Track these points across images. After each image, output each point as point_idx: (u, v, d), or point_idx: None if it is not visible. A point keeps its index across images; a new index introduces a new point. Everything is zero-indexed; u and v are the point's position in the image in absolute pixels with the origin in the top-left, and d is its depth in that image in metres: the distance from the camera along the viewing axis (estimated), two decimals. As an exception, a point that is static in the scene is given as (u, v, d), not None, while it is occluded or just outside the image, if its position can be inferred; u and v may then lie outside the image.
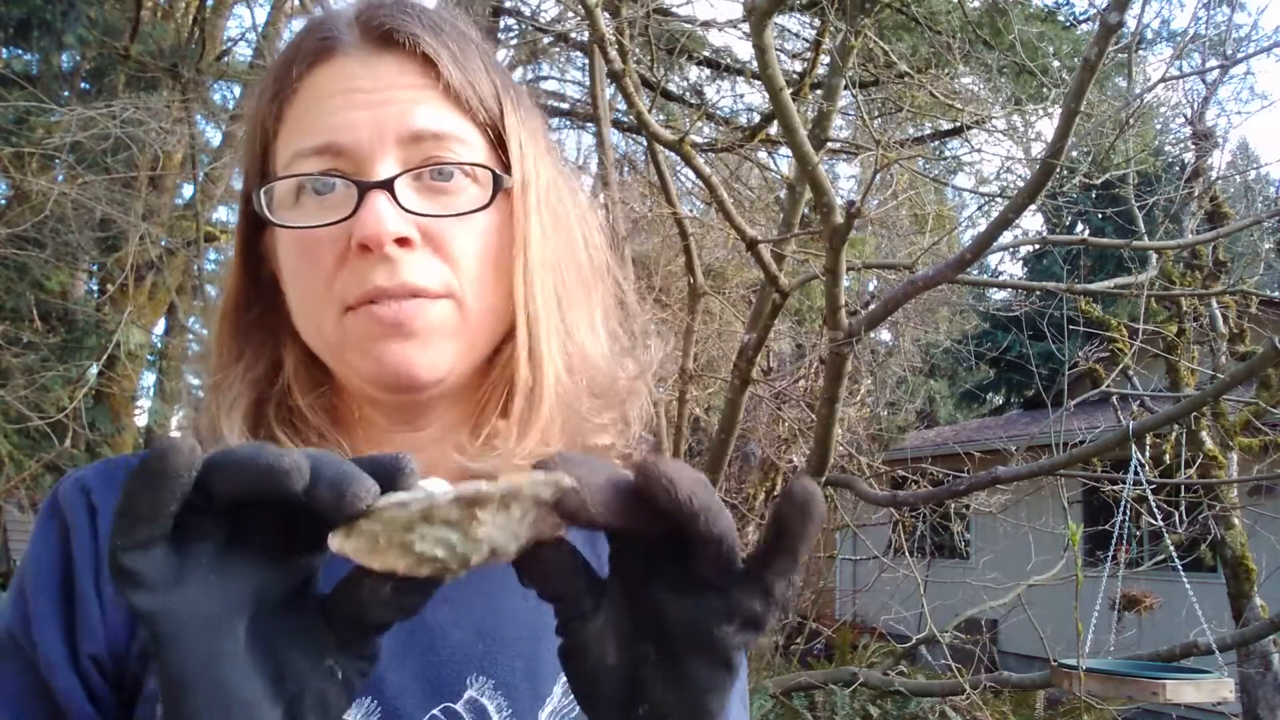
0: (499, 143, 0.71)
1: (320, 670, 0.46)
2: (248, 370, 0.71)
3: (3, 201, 5.94)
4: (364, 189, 0.65)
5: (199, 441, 0.69)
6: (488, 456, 0.68)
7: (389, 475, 0.44)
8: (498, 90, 0.71)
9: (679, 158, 4.07)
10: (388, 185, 0.65)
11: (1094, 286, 4.28)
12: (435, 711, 0.67)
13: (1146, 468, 3.82)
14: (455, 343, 0.68)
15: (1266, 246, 5.95)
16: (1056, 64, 5.49)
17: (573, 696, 0.59)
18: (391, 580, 0.45)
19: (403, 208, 0.65)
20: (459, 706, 0.68)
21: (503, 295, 0.70)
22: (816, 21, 5.37)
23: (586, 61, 5.57)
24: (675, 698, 0.46)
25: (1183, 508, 4.86)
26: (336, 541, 0.44)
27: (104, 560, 0.64)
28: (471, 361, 0.70)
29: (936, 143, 6.80)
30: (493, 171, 0.69)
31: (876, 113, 6.08)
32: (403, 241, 0.65)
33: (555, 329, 0.71)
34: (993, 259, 13.29)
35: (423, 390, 0.67)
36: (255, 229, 0.73)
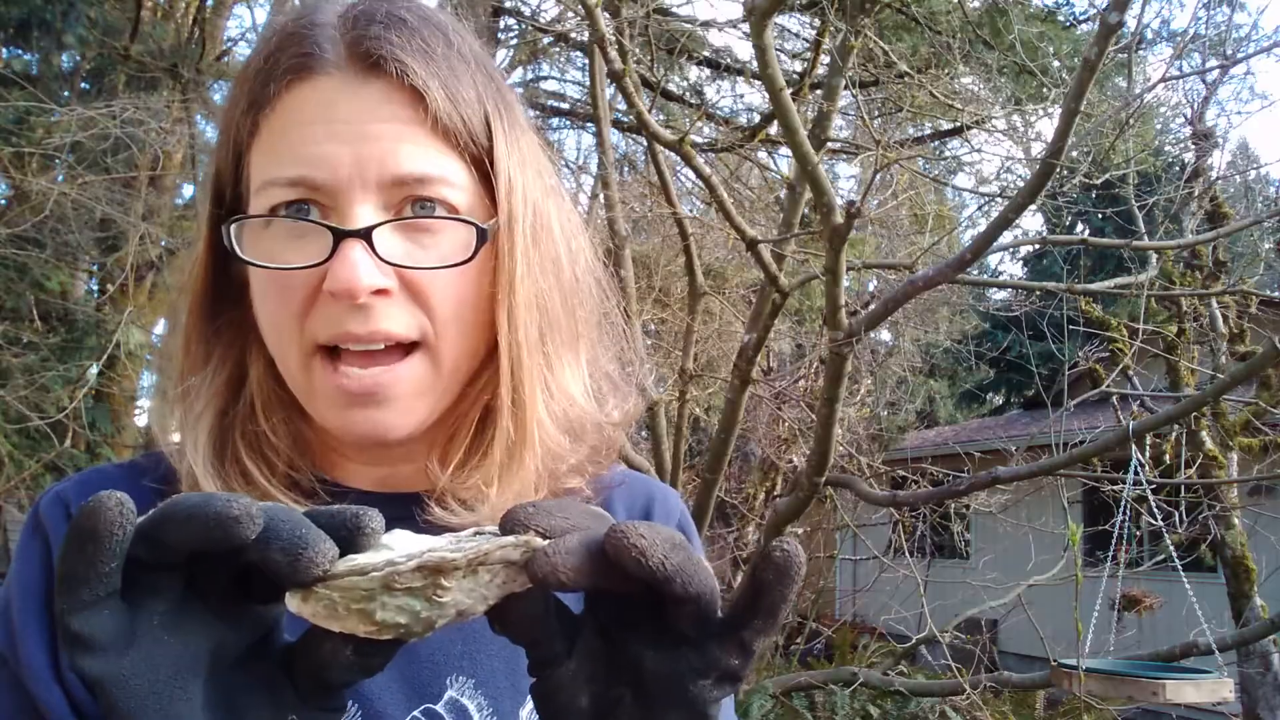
0: (485, 172, 0.68)
1: None
2: (215, 375, 0.69)
3: (3, 201, 5.94)
4: (340, 236, 0.61)
5: (165, 457, 0.67)
6: (470, 508, 0.66)
7: (349, 534, 0.43)
8: (488, 117, 0.68)
9: (679, 158, 4.07)
10: (365, 235, 0.62)
11: (1094, 286, 4.28)
12: (416, 713, 0.66)
13: (1146, 468, 3.82)
14: (427, 399, 0.66)
15: (1266, 246, 5.94)
16: (1056, 64, 5.49)
17: None
18: (353, 642, 0.44)
19: (380, 258, 0.62)
20: (439, 707, 0.67)
21: (480, 334, 0.68)
22: (816, 21, 5.37)
23: (586, 61, 5.56)
24: None
25: (1183, 508, 4.86)
26: (294, 604, 0.43)
27: None
28: (444, 406, 0.68)
29: (936, 143, 6.80)
30: (476, 226, 0.65)
31: (876, 113, 6.08)
32: (379, 292, 0.62)
33: (539, 373, 0.68)
34: (993, 259, 13.30)
35: (393, 446, 0.66)
36: (218, 223, 0.69)
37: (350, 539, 0.43)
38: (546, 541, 0.43)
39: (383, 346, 0.63)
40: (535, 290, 0.68)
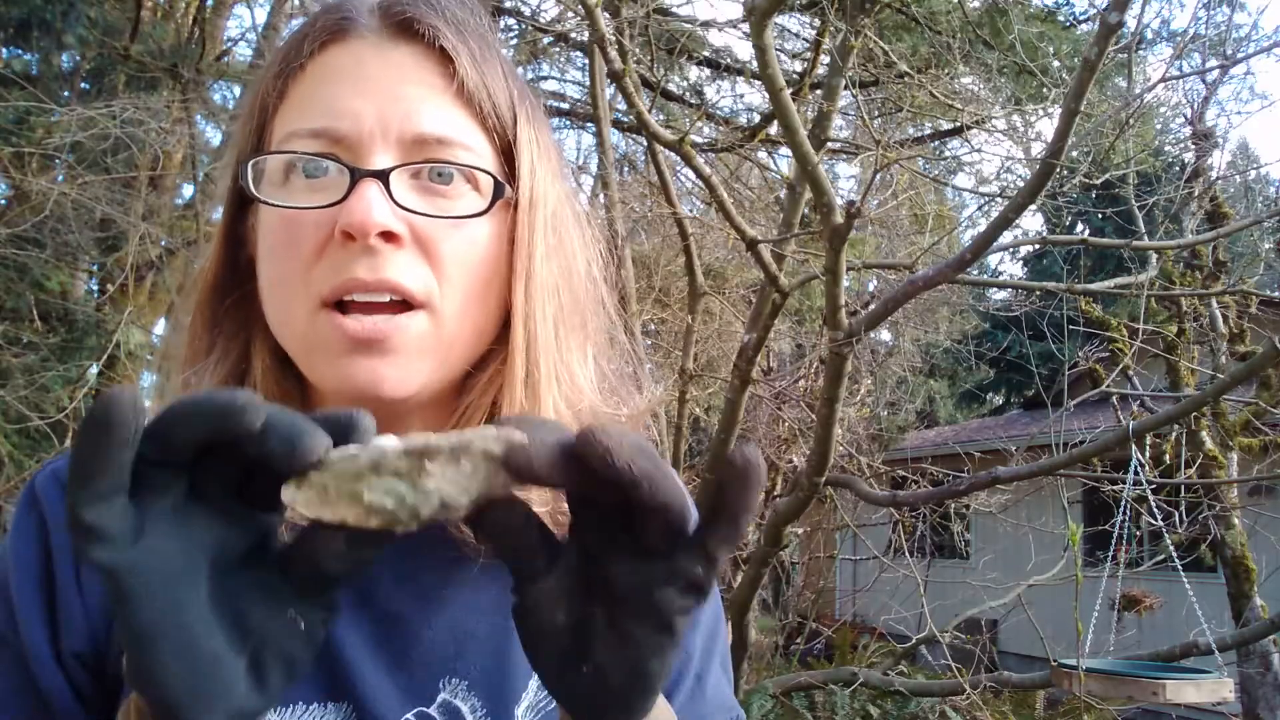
0: (507, 153, 0.68)
1: (281, 621, 0.46)
2: (218, 364, 0.69)
3: (3, 201, 5.94)
4: (357, 176, 0.62)
5: None
6: None
7: (343, 430, 0.45)
8: (513, 100, 0.69)
9: (679, 158, 4.07)
10: (383, 176, 0.62)
11: (1094, 286, 4.28)
12: (408, 716, 0.66)
13: (1146, 468, 3.82)
14: (428, 360, 0.65)
15: (1266, 246, 5.95)
16: (1056, 64, 5.49)
17: (547, 691, 0.59)
18: (344, 532, 0.45)
19: (395, 202, 0.62)
20: (433, 710, 0.67)
21: (487, 312, 0.68)
22: (816, 21, 5.37)
23: (586, 61, 5.56)
24: (616, 658, 0.46)
25: (1183, 508, 4.86)
26: (289, 493, 0.44)
27: None
28: (444, 377, 0.67)
29: (936, 143, 6.80)
30: (494, 178, 0.66)
31: (876, 113, 6.08)
32: (389, 236, 0.62)
33: (552, 355, 0.68)
34: (993, 259, 13.30)
35: (390, 405, 0.65)
36: (240, 208, 0.70)
37: (344, 434, 0.45)
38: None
39: (388, 299, 0.63)
40: (552, 276, 0.69)
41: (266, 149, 0.67)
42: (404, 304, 0.63)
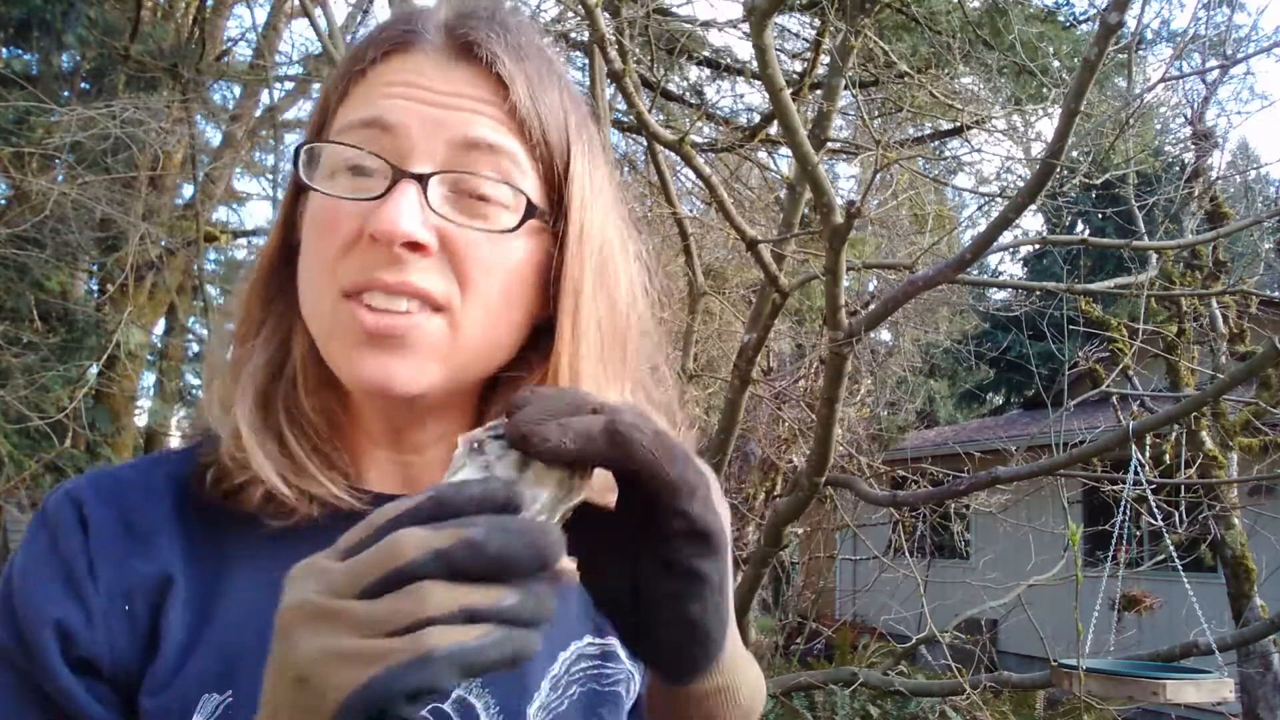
0: (551, 181, 0.69)
1: None
2: (266, 343, 0.71)
3: (3, 201, 5.93)
4: (398, 176, 0.63)
5: (208, 418, 0.70)
6: None
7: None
8: (568, 131, 0.70)
9: (679, 158, 4.07)
10: (422, 179, 0.63)
11: (1094, 286, 4.28)
12: (424, 712, 0.66)
13: (1146, 468, 3.82)
14: (439, 363, 0.66)
15: (1266, 246, 5.95)
16: (1056, 64, 5.49)
17: (559, 691, 0.64)
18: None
19: (430, 208, 0.63)
20: (447, 706, 0.67)
21: (509, 326, 0.69)
22: (816, 21, 5.37)
23: (586, 61, 5.56)
24: (663, 613, 0.53)
25: (1183, 508, 4.86)
26: None
27: (99, 572, 0.63)
28: (456, 381, 0.68)
29: (936, 143, 6.79)
30: (528, 197, 0.67)
31: (876, 113, 6.08)
32: (415, 246, 0.63)
33: (594, 388, 0.70)
34: (993, 259, 13.30)
35: (398, 400, 0.67)
36: (298, 194, 0.72)
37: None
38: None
39: (404, 308, 0.64)
40: (596, 312, 0.70)
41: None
42: (422, 306, 0.65)
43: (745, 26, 4.82)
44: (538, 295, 0.70)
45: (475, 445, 0.49)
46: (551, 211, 0.69)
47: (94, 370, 5.73)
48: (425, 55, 0.67)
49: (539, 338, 0.71)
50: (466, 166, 0.65)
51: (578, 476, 0.49)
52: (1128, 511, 3.79)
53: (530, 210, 0.67)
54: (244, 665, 0.63)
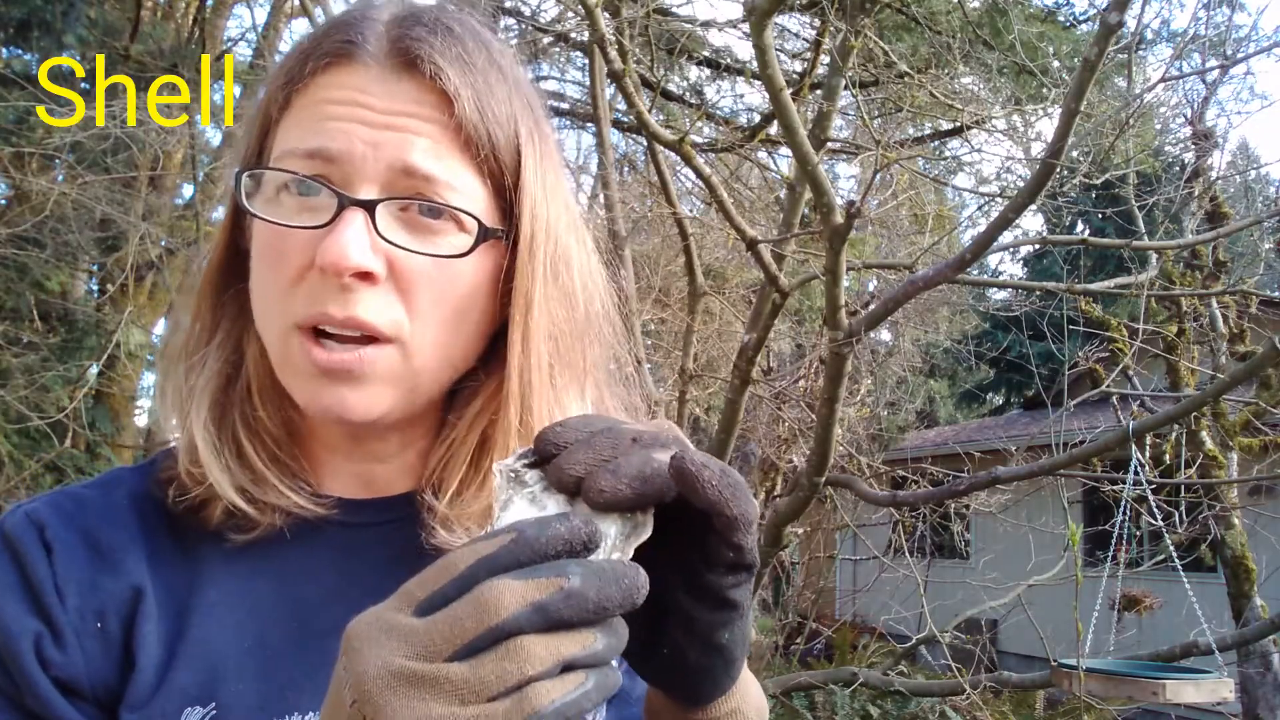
0: (501, 192, 0.68)
1: None
2: (219, 349, 0.70)
3: (3, 201, 5.94)
4: (344, 204, 0.62)
5: (166, 429, 0.70)
6: (470, 532, 0.68)
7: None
8: (519, 138, 0.69)
9: (679, 158, 4.07)
10: (369, 207, 0.63)
11: (1094, 286, 4.28)
12: None
13: (1146, 468, 3.82)
14: (394, 387, 0.66)
15: (1266, 246, 5.94)
16: (1056, 64, 5.49)
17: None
18: None
19: (379, 234, 0.63)
20: None
21: (461, 342, 0.68)
22: (816, 21, 5.37)
23: (586, 61, 5.56)
24: (688, 638, 0.51)
25: (1183, 508, 4.86)
26: None
27: (67, 595, 0.62)
28: (413, 401, 0.68)
29: (936, 143, 6.79)
30: (479, 222, 0.66)
31: (876, 113, 6.08)
32: (365, 276, 0.62)
33: (547, 398, 0.69)
34: (993, 259, 13.31)
35: (356, 427, 0.67)
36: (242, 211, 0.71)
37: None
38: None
39: (357, 334, 0.64)
40: (550, 320, 0.69)
41: (266, 159, 0.68)
42: (373, 337, 0.64)
43: (745, 26, 4.83)
44: (492, 304, 0.70)
45: (513, 475, 0.48)
46: (503, 222, 0.69)
47: (94, 370, 5.73)
48: (367, 69, 0.65)
49: (499, 341, 0.71)
50: (413, 190, 0.64)
51: (639, 510, 0.48)
52: (1128, 511, 3.79)
53: (483, 233, 0.66)
54: (225, 677, 0.63)
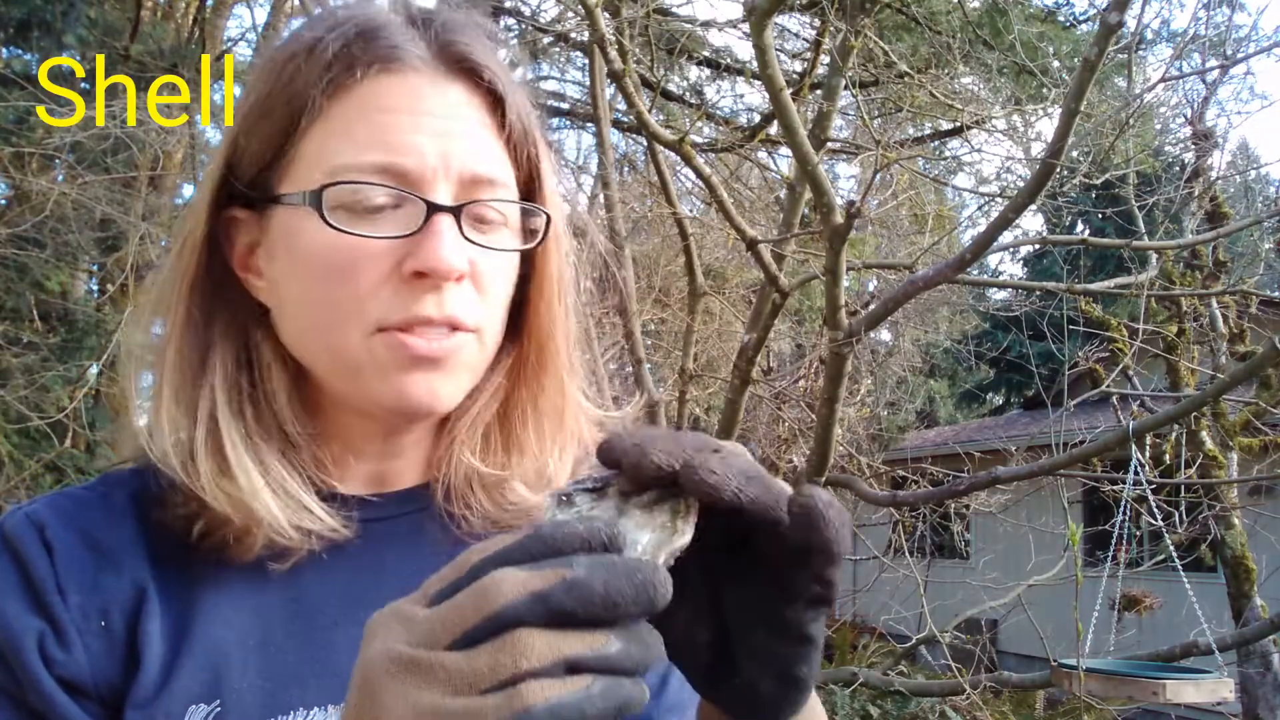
0: (526, 182, 0.72)
1: None
2: (219, 371, 0.68)
3: (3, 201, 5.94)
4: (433, 210, 0.64)
5: (140, 469, 0.68)
6: (504, 495, 0.72)
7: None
8: (538, 132, 0.72)
9: (679, 158, 4.07)
10: (456, 212, 0.65)
11: (1094, 286, 4.28)
12: None
13: (1146, 468, 3.82)
14: (471, 376, 0.70)
15: (1266, 246, 5.94)
16: (1056, 64, 5.49)
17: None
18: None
19: (465, 237, 0.65)
20: None
21: (501, 330, 0.72)
22: (816, 21, 5.37)
23: (586, 61, 5.56)
24: (763, 670, 0.50)
25: (1183, 508, 4.86)
26: None
27: (69, 594, 0.62)
28: (471, 387, 0.72)
29: (936, 143, 6.79)
30: (548, 217, 0.71)
31: (876, 113, 6.08)
32: (459, 277, 0.65)
33: (575, 382, 0.76)
34: (993, 259, 13.31)
35: (423, 417, 0.70)
36: (222, 205, 0.68)
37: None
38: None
39: (449, 333, 0.66)
40: (567, 303, 0.75)
41: (291, 164, 0.65)
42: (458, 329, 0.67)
43: (745, 26, 4.82)
44: (519, 295, 0.74)
45: (564, 498, 0.47)
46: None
47: (94, 370, 5.73)
48: (419, 75, 0.66)
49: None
50: (478, 193, 0.67)
51: (680, 518, 0.45)
52: (1128, 511, 3.79)
53: (548, 228, 0.71)
54: (229, 674, 0.63)
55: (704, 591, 0.50)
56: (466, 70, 0.67)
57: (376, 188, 0.64)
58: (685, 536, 0.45)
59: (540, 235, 0.71)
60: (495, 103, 0.68)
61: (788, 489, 0.46)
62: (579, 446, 0.76)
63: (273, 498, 0.64)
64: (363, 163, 0.63)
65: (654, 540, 0.44)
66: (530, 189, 0.72)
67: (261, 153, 0.67)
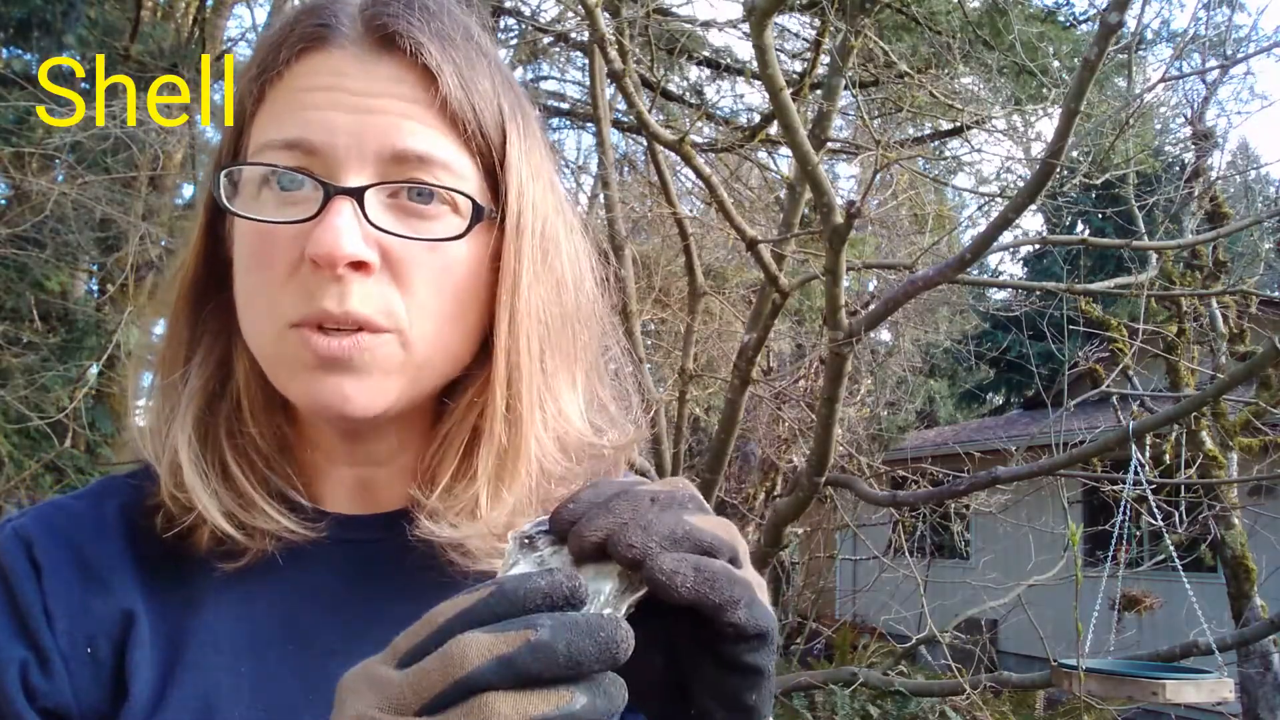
0: (491, 171, 0.66)
1: None
2: (201, 366, 0.67)
3: (3, 201, 5.93)
4: (330, 193, 0.60)
5: (149, 451, 0.66)
6: (456, 526, 0.65)
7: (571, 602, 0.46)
8: (503, 116, 0.66)
9: (679, 158, 4.07)
10: (357, 194, 0.60)
11: (1094, 286, 4.28)
12: None
13: (1146, 468, 3.82)
14: (395, 379, 0.63)
15: (1266, 246, 5.94)
16: (1056, 64, 5.49)
17: None
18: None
19: (370, 222, 0.60)
20: None
21: (462, 334, 0.66)
22: (816, 21, 5.37)
23: (586, 61, 5.56)
24: (714, 701, 0.50)
25: (1183, 508, 4.86)
26: None
27: (56, 618, 0.60)
28: (414, 396, 0.65)
29: (936, 143, 6.79)
30: (473, 201, 0.63)
31: (876, 113, 6.08)
32: (358, 265, 0.59)
33: (537, 385, 0.67)
34: (993, 259, 13.29)
35: (360, 422, 0.64)
36: (216, 210, 0.67)
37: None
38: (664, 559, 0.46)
39: (355, 328, 0.61)
40: (540, 302, 0.67)
41: (243, 156, 0.65)
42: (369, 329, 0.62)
43: (745, 26, 4.82)
44: (490, 293, 0.66)
45: (525, 541, 0.48)
46: (494, 203, 0.66)
47: (94, 370, 5.72)
48: (344, 51, 0.62)
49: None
50: (406, 175, 0.61)
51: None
52: (1128, 511, 3.79)
53: (477, 213, 0.63)
54: (220, 704, 0.61)
55: (656, 624, 0.49)
56: (397, 46, 0.62)
57: (285, 173, 0.61)
58: (643, 586, 0.46)
59: (465, 227, 0.63)
60: (432, 78, 0.62)
61: (705, 555, 0.47)
62: (548, 480, 0.68)
63: (215, 494, 0.64)
64: (275, 140, 0.61)
65: (615, 589, 0.45)
66: (491, 177, 0.66)
67: (229, 146, 0.67)
